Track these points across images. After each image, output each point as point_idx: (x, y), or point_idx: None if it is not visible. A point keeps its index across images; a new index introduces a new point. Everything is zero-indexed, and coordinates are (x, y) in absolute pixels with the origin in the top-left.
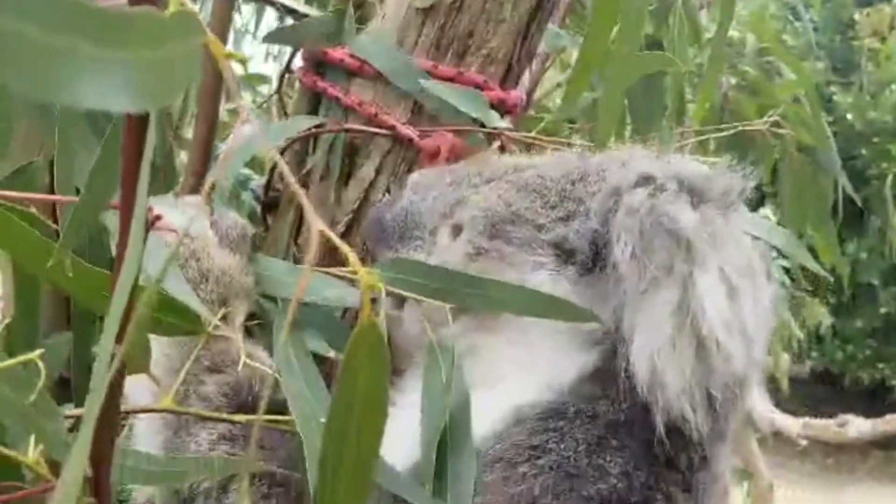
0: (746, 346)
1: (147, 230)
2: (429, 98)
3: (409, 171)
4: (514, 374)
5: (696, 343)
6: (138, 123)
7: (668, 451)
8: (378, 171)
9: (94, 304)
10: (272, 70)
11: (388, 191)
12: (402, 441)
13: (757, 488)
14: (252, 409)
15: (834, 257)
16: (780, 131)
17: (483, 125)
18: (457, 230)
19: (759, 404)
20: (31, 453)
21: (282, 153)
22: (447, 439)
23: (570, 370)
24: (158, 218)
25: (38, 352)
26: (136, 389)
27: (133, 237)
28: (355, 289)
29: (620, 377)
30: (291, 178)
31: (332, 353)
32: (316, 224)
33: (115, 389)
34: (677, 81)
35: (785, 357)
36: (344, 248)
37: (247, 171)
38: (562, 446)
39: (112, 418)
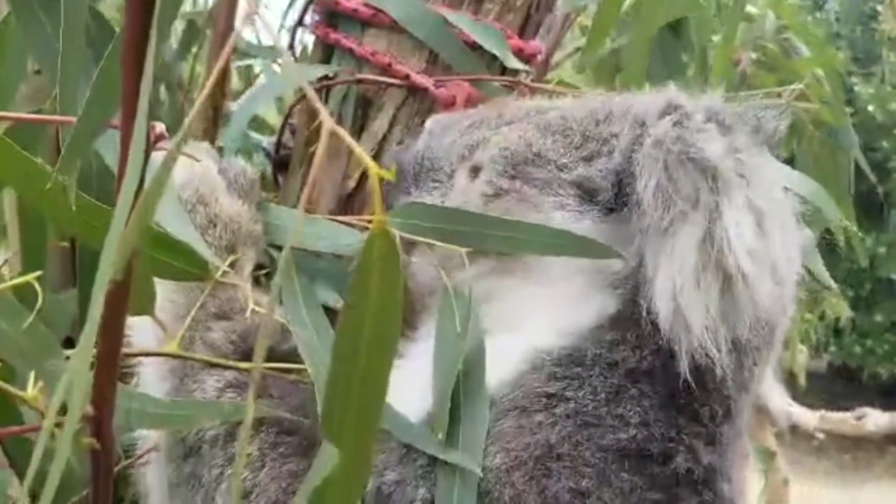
0: (775, 284)
1: (149, 148)
2: (445, 46)
3: (424, 124)
4: (532, 319)
5: (722, 278)
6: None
7: (692, 403)
8: (392, 124)
9: (97, 243)
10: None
11: (401, 144)
12: (412, 391)
13: (772, 484)
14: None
15: (853, 232)
16: (803, 105)
17: (503, 71)
18: (475, 171)
19: (776, 397)
20: (31, 390)
21: (292, 109)
22: (460, 387)
23: (588, 314)
24: (162, 137)
25: (36, 273)
26: (142, 336)
27: (134, 150)
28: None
29: (642, 321)
30: (319, 105)
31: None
32: (327, 121)
33: (116, 329)
34: (701, 37)
35: (803, 350)
36: (355, 147)
37: (257, 135)
38: (579, 394)
39: (113, 359)
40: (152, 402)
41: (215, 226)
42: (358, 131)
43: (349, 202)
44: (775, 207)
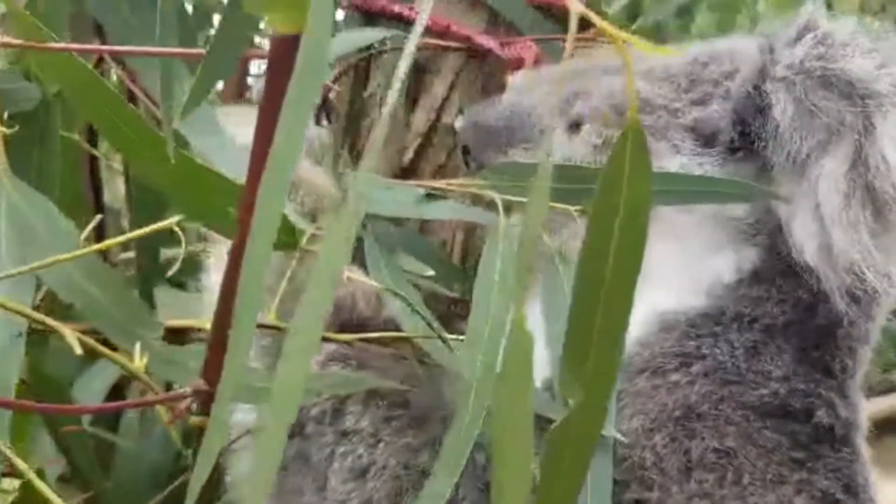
0: None
1: None
2: (507, 4)
3: (486, 89)
4: (656, 278)
5: (875, 203)
6: None
7: (823, 356)
8: (450, 91)
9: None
10: None
11: (462, 112)
12: None
13: None
14: (355, 328)
15: None
16: None
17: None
18: (576, 125)
19: None
20: (137, 361)
21: (336, 80)
22: None
23: (724, 269)
24: None
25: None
26: None
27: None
28: (450, 202)
29: (785, 270)
30: None
31: (429, 273)
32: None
33: (230, 298)
34: None
35: None
36: None
37: None
38: (716, 351)
39: (224, 332)
40: (256, 375)
41: (297, 190)
42: (412, 101)
43: (406, 176)
44: None
